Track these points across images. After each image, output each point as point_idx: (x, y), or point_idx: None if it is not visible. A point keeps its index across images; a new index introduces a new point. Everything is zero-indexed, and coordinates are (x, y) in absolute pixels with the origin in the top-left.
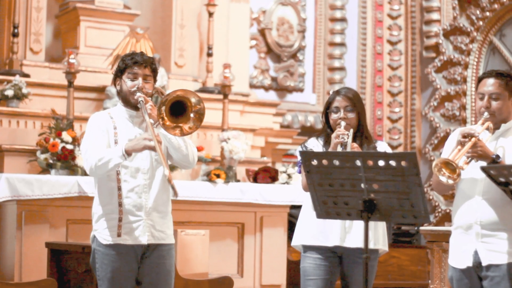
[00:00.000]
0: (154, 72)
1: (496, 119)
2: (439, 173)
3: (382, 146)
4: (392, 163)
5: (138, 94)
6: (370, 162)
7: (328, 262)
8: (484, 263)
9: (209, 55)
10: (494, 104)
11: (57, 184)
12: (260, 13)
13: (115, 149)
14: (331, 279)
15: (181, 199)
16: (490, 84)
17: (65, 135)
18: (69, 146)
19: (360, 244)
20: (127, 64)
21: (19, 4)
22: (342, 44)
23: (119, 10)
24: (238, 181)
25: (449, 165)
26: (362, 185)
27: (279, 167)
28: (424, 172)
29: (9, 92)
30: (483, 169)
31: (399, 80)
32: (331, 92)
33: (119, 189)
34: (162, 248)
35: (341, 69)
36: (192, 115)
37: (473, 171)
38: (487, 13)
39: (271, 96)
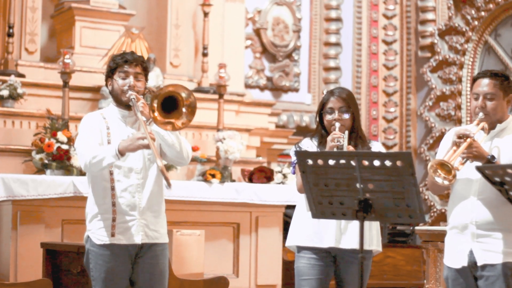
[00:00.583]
0: (145, 70)
1: (491, 119)
2: (435, 174)
3: (376, 146)
4: (388, 163)
5: (130, 92)
6: (366, 162)
7: (322, 262)
8: (479, 263)
9: (204, 55)
10: (489, 104)
11: (53, 184)
12: (255, 13)
13: (109, 148)
14: (326, 279)
15: (177, 199)
16: (485, 84)
17: (60, 135)
18: (64, 146)
19: (355, 245)
20: (118, 63)
21: (14, 4)
22: (337, 44)
23: (114, 10)
24: (234, 181)
25: (445, 166)
26: (358, 185)
27: (275, 167)
28: (419, 172)
29: (4, 92)
30: (478, 169)
31: (394, 80)
32: (324, 92)
33: (113, 189)
34: (156, 247)
35: (336, 69)
36: (184, 109)
37: (468, 171)
38: (482, 13)
39: (267, 96)
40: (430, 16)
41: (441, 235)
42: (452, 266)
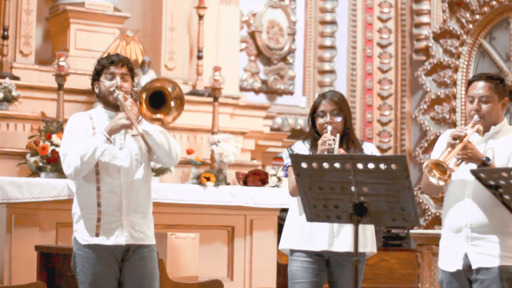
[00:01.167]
0: (131, 71)
1: (486, 122)
2: (430, 174)
3: (368, 148)
4: (382, 166)
5: (117, 92)
6: (360, 165)
7: (315, 265)
8: (474, 266)
9: (199, 58)
10: (484, 107)
11: (47, 187)
12: (250, 15)
13: (95, 138)
14: (319, 281)
15: (171, 202)
16: (480, 87)
17: (55, 138)
18: (59, 149)
19: (348, 248)
20: (104, 65)
21: (9, 7)
22: (332, 47)
23: (109, 12)
24: (228, 184)
25: (440, 166)
26: (352, 188)
27: (269, 170)
28: (414, 175)
29: None
30: (473, 172)
31: (389, 83)
32: (316, 96)
33: (98, 189)
34: (143, 249)
35: (331, 72)
36: (172, 103)
37: (462, 174)
38: (477, 16)
39: (261, 99)
40: (425, 19)
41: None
42: (446, 269)
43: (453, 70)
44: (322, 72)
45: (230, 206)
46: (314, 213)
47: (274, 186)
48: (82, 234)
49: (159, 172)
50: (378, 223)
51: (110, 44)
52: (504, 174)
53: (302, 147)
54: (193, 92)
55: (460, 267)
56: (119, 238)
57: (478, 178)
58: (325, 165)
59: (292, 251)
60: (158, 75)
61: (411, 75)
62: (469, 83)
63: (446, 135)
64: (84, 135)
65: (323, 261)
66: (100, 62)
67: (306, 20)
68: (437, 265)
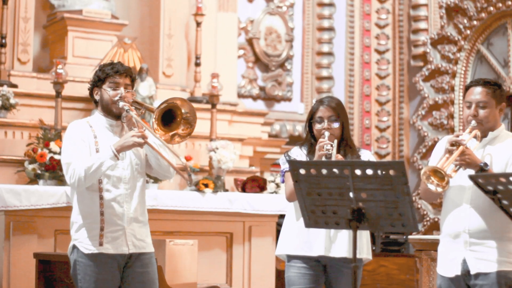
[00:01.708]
0: (133, 82)
1: (484, 128)
2: (428, 181)
3: (365, 155)
4: (381, 172)
5: (122, 103)
6: (359, 171)
7: (312, 271)
8: (472, 272)
9: (197, 64)
10: (482, 112)
11: (45, 195)
12: (248, 22)
13: (103, 152)
14: (316, 287)
15: (170, 208)
16: (477, 93)
17: (53, 146)
18: (57, 157)
19: (345, 253)
20: (108, 73)
21: (7, 15)
22: (330, 54)
23: (107, 20)
24: (227, 190)
25: (438, 173)
26: (351, 194)
27: (268, 176)
28: (412, 181)
29: None
30: (471, 177)
31: (387, 89)
32: (313, 102)
33: (101, 198)
34: (144, 257)
35: (329, 78)
36: (181, 120)
37: (460, 179)
38: (475, 22)
39: (259, 105)
40: (422, 25)
41: (434, 244)
42: (445, 275)
43: (451, 76)
44: (320, 79)
45: (228, 212)
46: (313, 219)
47: (272, 193)
48: (84, 243)
49: (157, 179)
50: (377, 228)
51: (108, 51)
52: (502, 180)
53: (299, 153)
54: (191, 99)
55: (458, 273)
56: (123, 247)
57: (477, 183)
58: (324, 171)
59: (290, 257)
60: (156, 82)
61: (409, 81)
62: (467, 88)
63: (444, 141)
64: (85, 144)
65: (320, 267)
66: (104, 70)
67: (304, 26)
68: (435, 270)
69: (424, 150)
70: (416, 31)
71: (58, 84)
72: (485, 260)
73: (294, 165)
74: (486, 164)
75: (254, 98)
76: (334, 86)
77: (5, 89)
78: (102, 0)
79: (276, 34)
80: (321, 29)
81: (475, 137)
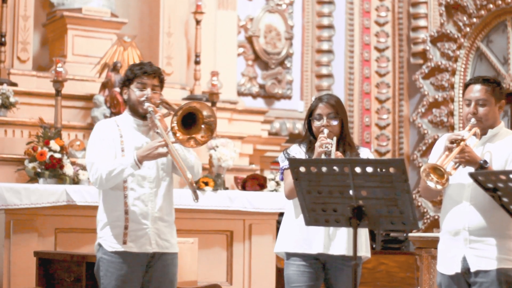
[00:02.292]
0: (162, 82)
1: (483, 125)
2: (427, 178)
3: (364, 153)
4: (381, 169)
5: (147, 104)
6: (359, 169)
7: (312, 269)
8: (472, 269)
9: (197, 62)
10: (481, 110)
11: (45, 193)
12: (248, 20)
13: (126, 159)
14: (316, 285)
15: None
16: (477, 90)
17: (53, 144)
18: (57, 155)
19: (343, 251)
20: (136, 73)
21: (6, 13)
22: (329, 51)
23: (107, 18)
24: (227, 188)
25: (437, 170)
26: (351, 192)
27: (268, 174)
28: (412, 179)
29: None
30: (471, 175)
31: (387, 87)
32: (313, 99)
33: (126, 197)
34: (167, 257)
35: (329, 76)
36: (203, 126)
37: (460, 177)
38: (474, 20)
39: (259, 103)
40: (422, 23)
41: (434, 242)
42: (445, 272)
43: (451, 73)
44: (320, 76)
45: (228, 210)
46: (313, 217)
47: (272, 191)
48: (108, 241)
49: None
50: (377, 226)
51: (108, 49)
52: (503, 177)
53: (298, 151)
54: (191, 97)
55: (458, 270)
56: (147, 246)
57: (477, 181)
58: (324, 169)
59: (289, 255)
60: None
61: (408, 79)
62: (466, 86)
63: (443, 139)
64: (111, 143)
65: (320, 265)
66: (133, 70)
67: (303, 24)
68: (436, 268)
69: (424, 148)
70: (416, 29)
71: (58, 83)
72: (485, 257)
73: (294, 163)
74: (485, 162)
75: (254, 96)
76: (334, 84)
77: (5, 88)
78: None
79: (275, 32)
80: (321, 27)
81: (474, 134)
